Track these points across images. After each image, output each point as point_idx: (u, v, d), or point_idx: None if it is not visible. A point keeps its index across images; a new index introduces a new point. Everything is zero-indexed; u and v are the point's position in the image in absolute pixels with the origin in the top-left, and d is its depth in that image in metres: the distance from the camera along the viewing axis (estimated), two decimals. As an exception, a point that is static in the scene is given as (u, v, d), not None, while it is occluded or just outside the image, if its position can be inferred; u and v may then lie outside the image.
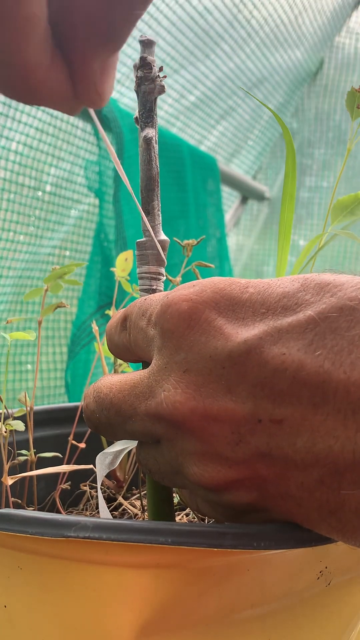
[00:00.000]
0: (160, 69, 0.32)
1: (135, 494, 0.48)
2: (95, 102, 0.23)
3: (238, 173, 1.79)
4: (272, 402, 0.23)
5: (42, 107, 1.08)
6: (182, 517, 0.41)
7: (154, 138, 0.33)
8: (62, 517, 0.24)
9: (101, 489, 0.45)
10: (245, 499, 0.25)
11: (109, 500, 0.47)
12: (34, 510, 0.42)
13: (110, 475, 0.47)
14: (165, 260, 0.33)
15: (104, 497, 0.45)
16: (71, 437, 0.46)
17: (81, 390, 1.07)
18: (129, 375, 0.29)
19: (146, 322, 0.28)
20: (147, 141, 0.32)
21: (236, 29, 1.42)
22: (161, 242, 0.33)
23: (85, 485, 0.48)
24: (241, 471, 0.24)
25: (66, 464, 0.46)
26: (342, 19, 1.82)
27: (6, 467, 0.39)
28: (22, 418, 0.41)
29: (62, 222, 1.18)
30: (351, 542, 0.24)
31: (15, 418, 0.41)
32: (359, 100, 0.38)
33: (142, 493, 0.45)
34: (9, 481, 0.37)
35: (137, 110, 0.33)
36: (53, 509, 0.44)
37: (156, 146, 0.33)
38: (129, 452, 0.46)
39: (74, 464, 0.44)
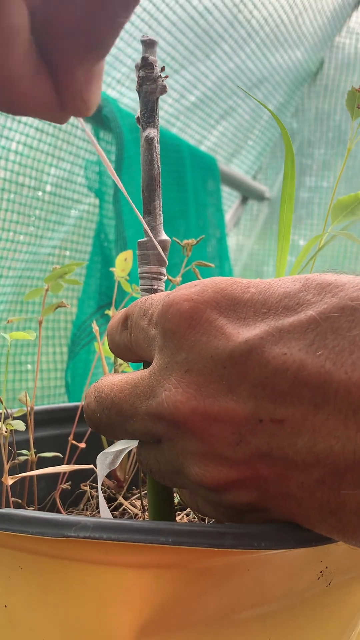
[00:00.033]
0: (162, 69, 0.32)
1: (135, 494, 0.48)
2: (82, 111, 0.22)
3: (238, 173, 1.79)
4: (273, 402, 0.23)
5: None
6: (183, 516, 0.41)
7: (155, 138, 0.33)
8: (63, 517, 0.24)
9: (101, 488, 0.45)
10: (246, 499, 0.25)
11: (110, 500, 0.47)
12: (34, 510, 0.42)
13: (110, 475, 0.47)
14: (167, 260, 0.33)
15: (104, 497, 0.45)
16: (71, 437, 0.46)
17: (81, 390, 1.07)
18: (130, 375, 0.29)
19: (147, 322, 0.28)
20: (149, 141, 0.32)
21: (236, 29, 1.42)
22: (162, 242, 0.33)
23: (86, 485, 0.48)
24: (242, 471, 0.24)
25: (66, 463, 0.46)
26: (342, 19, 1.82)
27: (6, 467, 0.39)
28: (22, 418, 0.41)
29: (62, 222, 1.18)
30: (351, 542, 0.24)
31: (15, 418, 0.41)
32: (359, 100, 0.38)
33: (142, 493, 0.45)
34: (9, 481, 0.37)
35: (139, 110, 0.33)
36: (53, 508, 0.44)
37: (158, 146, 0.33)
38: (130, 451, 0.46)
39: (74, 463, 0.44)
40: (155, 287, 0.33)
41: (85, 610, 0.25)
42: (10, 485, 0.39)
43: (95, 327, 0.50)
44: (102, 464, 0.33)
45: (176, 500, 0.41)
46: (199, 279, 0.36)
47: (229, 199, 1.89)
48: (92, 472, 0.48)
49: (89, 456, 0.43)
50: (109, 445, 0.35)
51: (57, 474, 0.46)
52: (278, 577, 0.27)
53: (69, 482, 0.45)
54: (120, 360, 0.46)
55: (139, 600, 0.24)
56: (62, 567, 0.25)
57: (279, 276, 0.41)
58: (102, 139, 1.17)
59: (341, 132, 1.92)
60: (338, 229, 0.41)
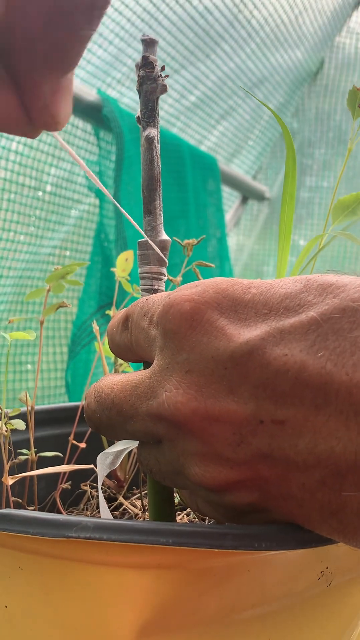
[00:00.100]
0: (162, 68, 0.32)
1: (135, 494, 0.48)
2: (50, 126, 0.22)
3: (238, 173, 1.79)
4: (274, 403, 0.23)
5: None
6: (183, 517, 0.41)
7: (156, 138, 0.32)
8: (63, 517, 0.23)
9: (102, 488, 0.45)
10: (247, 500, 0.25)
11: (110, 500, 0.47)
12: (34, 510, 0.42)
13: (110, 475, 0.47)
14: (167, 260, 0.33)
15: (104, 496, 0.45)
16: (71, 436, 0.46)
17: (81, 390, 1.07)
18: (131, 375, 0.29)
19: (148, 322, 0.28)
20: (149, 141, 0.32)
21: (236, 29, 1.42)
22: (162, 241, 0.33)
23: (86, 485, 0.48)
24: (242, 472, 0.24)
25: (66, 463, 0.46)
26: (342, 19, 1.82)
27: (6, 466, 0.39)
28: (21, 417, 0.41)
29: (63, 222, 1.18)
30: (352, 543, 0.24)
31: (11, 417, 0.41)
32: (360, 100, 0.38)
33: (142, 493, 0.45)
34: (10, 481, 0.37)
35: (139, 110, 0.33)
36: (53, 508, 0.44)
37: (158, 146, 0.33)
38: (130, 452, 0.46)
39: (74, 463, 0.44)
40: (156, 287, 0.33)
41: (86, 611, 0.25)
42: (11, 485, 0.39)
43: (95, 327, 0.50)
44: (103, 464, 0.33)
45: (176, 501, 0.41)
46: (199, 279, 0.36)
47: (229, 199, 1.89)
48: (92, 472, 0.48)
49: (89, 456, 0.43)
50: (109, 446, 0.35)
51: (57, 474, 0.46)
52: (278, 577, 0.27)
53: (69, 482, 0.45)
54: (120, 361, 0.46)
55: (139, 600, 0.24)
56: (62, 568, 0.25)
57: (279, 276, 0.41)
58: (102, 139, 1.17)
59: (341, 132, 1.92)
60: (339, 229, 0.41)
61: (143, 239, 0.33)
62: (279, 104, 1.81)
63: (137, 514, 0.43)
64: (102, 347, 0.48)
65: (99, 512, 0.44)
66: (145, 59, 0.32)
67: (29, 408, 0.43)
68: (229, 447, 0.24)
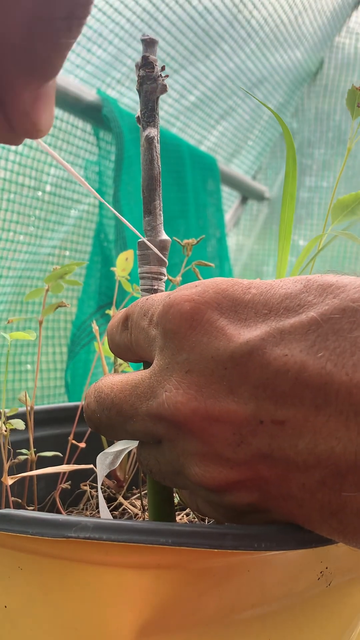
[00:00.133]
0: (163, 68, 0.32)
1: (135, 494, 0.48)
2: (32, 134, 0.22)
3: (238, 173, 1.79)
4: (274, 403, 0.23)
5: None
6: (183, 517, 0.41)
7: (155, 137, 0.32)
8: (63, 517, 0.23)
9: (101, 488, 0.45)
10: (247, 500, 0.25)
11: (109, 500, 0.47)
12: (34, 510, 0.42)
13: (110, 475, 0.47)
14: (167, 260, 0.33)
15: (104, 496, 0.45)
16: (71, 436, 0.46)
17: (81, 390, 1.07)
18: (130, 375, 0.29)
19: (148, 322, 0.28)
20: (149, 141, 0.32)
21: (236, 29, 1.42)
22: (162, 241, 0.33)
23: (86, 485, 0.48)
24: (242, 472, 0.24)
25: (66, 463, 0.46)
26: (342, 19, 1.82)
27: (6, 466, 0.39)
28: (19, 417, 0.41)
29: (62, 222, 1.18)
30: (352, 544, 0.24)
31: (9, 417, 0.41)
32: (359, 99, 0.38)
33: (142, 493, 0.45)
34: (9, 481, 0.37)
35: (139, 110, 0.33)
36: (53, 508, 0.44)
37: (158, 146, 0.33)
38: (130, 452, 0.46)
39: (74, 463, 0.44)
40: (156, 287, 0.33)
41: (85, 611, 0.25)
42: (10, 485, 0.39)
43: (95, 327, 0.50)
44: (102, 464, 0.33)
45: (176, 501, 0.41)
46: (199, 279, 0.36)
47: (229, 199, 1.89)
48: (92, 472, 0.48)
49: (89, 456, 0.43)
50: (109, 445, 0.35)
51: (57, 474, 0.46)
52: (278, 577, 0.27)
53: (69, 482, 0.45)
54: (120, 360, 0.46)
55: (139, 600, 0.24)
56: (62, 568, 0.25)
57: (279, 276, 0.41)
58: (102, 139, 1.17)
59: (341, 132, 1.92)
60: (338, 229, 0.41)
61: (143, 239, 0.33)
62: (278, 104, 1.81)
63: (136, 514, 0.43)
64: (102, 347, 0.48)
65: (98, 512, 0.44)
66: (145, 59, 0.32)
67: (29, 408, 0.43)
68: (229, 447, 0.24)
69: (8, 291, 1.08)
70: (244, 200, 1.96)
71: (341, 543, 0.25)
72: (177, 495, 0.39)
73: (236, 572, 0.25)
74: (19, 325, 1.07)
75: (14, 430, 0.40)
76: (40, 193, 1.12)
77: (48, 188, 1.14)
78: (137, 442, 0.30)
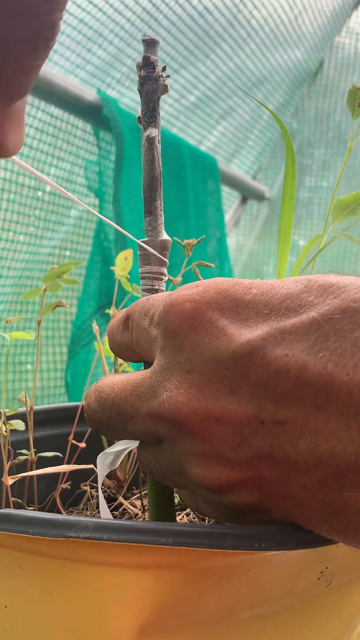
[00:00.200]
0: (164, 68, 0.32)
1: (135, 494, 0.48)
2: (1, 153, 0.22)
3: (238, 173, 1.79)
4: (275, 403, 0.23)
5: (42, 107, 1.08)
6: (183, 517, 0.41)
7: (156, 138, 0.32)
8: (63, 517, 0.23)
9: (102, 488, 0.45)
10: (247, 500, 0.25)
11: (110, 500, 0.47)
12: (34, 510, 0.42)
13: (110, 475, 0.47)
14: (167, 261, 0.33)
15: (104, 496, 0.45)
16: (71, 436, 0.46)
17: (81, 390, 1.07)
18: (131, 375, 0.29)
19: (148, 322, 0.28)
20: (150, 141, 0.32)
21: (236, 29, 1.42)
22: (163, 241, 0.33)
23: (86, 485, 0.48)
24: (243, 472, 0.24)
25: (66, 463, 0.46)
26: (342, 19, 1.82)
27: (6, 466, 0.39)
28: (20, 417, 0.41)
29: (62, 222, 1.18)
30: (352, 544, 0.24)
31: (9, 417, 0.41)
32: (360, 100, 0.38)
33: (142, 493, 0.45)
34: (9, 481, 0.37)
35: (140, 110, 0.33)
36: (53, 508, 0.44)
37: (159, 146, 0.33)
38: (130, 451, 0.46)
39: (74, 463, 0.44)
40: (156, 287, 0.33)
41: (85, 611, 0.25)
42: (10, 485, 0.39)
43: (95, 327, 0.50)
44: (103, 464, 0.33)
45: (176, 501, 0.41)
46: (199, 279, 0.36)
47: (229, 199, 1.89)
48: (92, 472, 0.48)
49: (89, 456, 0.43)
50: (109, 445, 0.35)
51: (57, 474, 0.46)
52: (278, 577, 0.27)
53: (69, 482, 0.45)
54: (120, 360, 0.46)
55: (139, 600, 0.24)
56: (62, 568, 0.25)
57: (279, 276, 0.41)
58: (102, 139, 1.17)
59: (341, 132, 1.92)
60: (339, 229, 0.41)
61: (144, 239, 0.33)
62: (278, 104, 1.81)
63: (137, 514, 0.43)
64: (102, 347, 0.48)
65: (98, 512, 0.44)
66: (146, 59, 0.32)
67: (28, 408, 0.43)
68: (229, 447, 0.24)
69: (8, 291, 1.08)
70: (244, 200, 1.96)
71: (341, 543, 0.25)
72: (177, 495, 0.39)
73: (236, 572, 0.25)
74: (19, 325, 1.07)
75: (14, 430, 0.40)
76: (40, 193, 1.12)
77: (48, 188, 1.14)
78: (138, 442, 0.31)
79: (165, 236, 0.33)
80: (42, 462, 0.42)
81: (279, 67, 1.67)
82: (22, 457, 0.41)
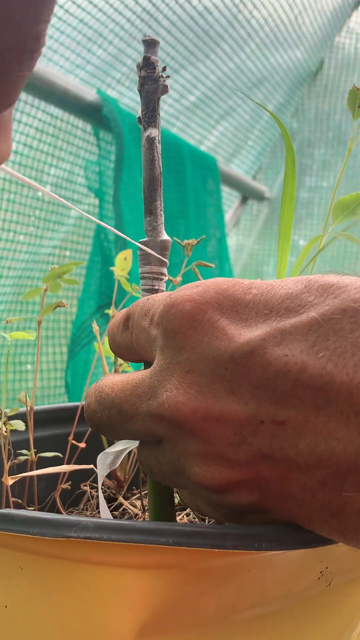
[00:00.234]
0: (164, 68, 0.32)
1: (135, 494, 0.48)
2: None
3: (238, 173, 1.79)
4: (275, 403, 0.23)
5: (42, 107, 1.08)
6: (183, 517, 0.41)
7: (156, 138, 0.32)
8: (63, 517, 0.23)
9: (102, 488, 0.45)
10: (247, 500, 0.25)
11: (110, 500, 0.47)
12: (34, 510, 0.42)
13: (110, 475, 0.47)
14: (168, 261, 0.33)
15: (104, 497, 0.45)
16: (71, 437, 0.46)
17: (81, 390, 1.07)
18: (131, 375, 0.29)
19: (149, 322, 0.28)
20: (150, 141, 0.32)
21: (236, 29, 1.42)
22: (163, 242, 0.33)
23: (86, 485, 0.48)
24: (243, 472, 0.24)
25: (66, 463, 0.46)
26: (342, 19, 1.82)
27: (6, 467, 0.39)
28: (19, 417, 0.41)
29: (62, 222, 1.18)
30: (352, 544, 0.24)
31: (10, 417, 0.41)
32: (360, 101, 0.38)
33: (142, 493, 0.45)
34: (10, 481, 0.37)
35: (140, 110, 0.33)
36: (53, 508, 0.44)
37: (159, 146, 0.33)
38: (130, 452, 0.46)
39: (74, 463, 0.44)
40: (156, 287, 0.33)
41: (85, 611, 0.25)
42: (11, 485, 0.39)
43: (95, 327, 0.50)
44: (103, 464, 0.33)
45: (176, 501, 0.41)
46: (199, 279, 0.36)
47: (229, 199, 1.89)
48: (92, 472, 0.48)
49: (89, 456, 0.43)
50: (109, 445, 0.35)
51: (57, 474, 0.46)
52: (278, 577, 0.27)
53: (69, 482, 0.45)
54: (120, 360, 0.46)
55: (139, 600, 0.24)
56: (62, 568, 0.25)
57: (279, 276, 0.41)
58: (102, 139, 1.17)
59: (341, 132, 1.92)
60: (339, 229, 0.41)
61: (144, 239, 0.33)
62: (278, 104, 1.81)
63: (137, 514, 0.43)
64: (102, 347, 0.48)
65: (98, 512, 0.44)
66: (146, 59, 0.32)
67: (29, 408, 0.43)
68: (229, 447, 0.24)
69: (8, 291, 1.08)
70: (244, 200, 1.96)
71: (341, 543, 0.25)
72: (177, 495, 0.39)
73: (236, 572, 0.25)
74: (19, 325, 1.07)
75: (14, 431, 0.40)
76: (40, 193, 1.12)
77: (48, 188, 1.14)
78: (138, 442, 0.31)
79: (165, 236, 0.33)
80: (42, 462, 0.42)
81: (279, 67, 1.67)
82: (22, 457, 0.41)
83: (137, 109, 1.24)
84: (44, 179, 1.13)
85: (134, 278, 0.45)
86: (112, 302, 0.52)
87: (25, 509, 0.41)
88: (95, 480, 0.49)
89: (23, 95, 1.03)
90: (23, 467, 0.42)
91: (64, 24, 1.06)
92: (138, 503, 0.46)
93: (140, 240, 0.33)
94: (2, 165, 0.26)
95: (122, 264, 0.49)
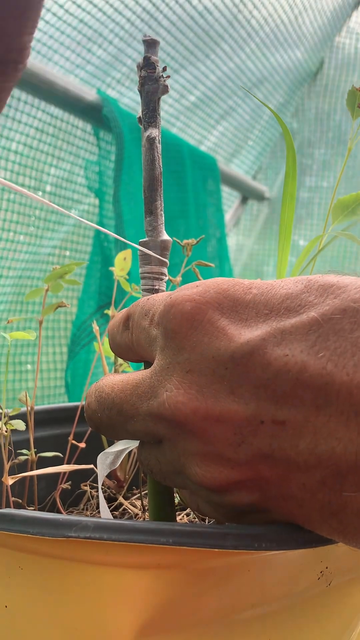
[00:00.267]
0: (164, 68, 0.32)
1: (135, 494, 0.48)
2: None
3: (238, 173, 1.79)
4: (275, 403, 0.23)
5: (42, 107, 1.08)
6: (183, 517, 0.41)
7: (157, 138, 0.32)
8: (63, 517, 0.23)
9: (102, 488, 0.45)
10: (247, 500, 0.25)
11: (110, 500, 0.47)
12: (34, 510, 0.42)
13: (110, 475, 0.47)
14: (168, 261, 0.33)
15: (104, 497, 0.45)
16: (71, 437, 0.46)
17: (81, 390, 1.07)
18: (131, 375, 0.29)
19: (149, 322, 0.28)
20: (151, 141, 0.32)
21: (236, 29, 1.42)
22: (163, 242, 0.33)
23: (86, 485, 0.48)
24: (243, 472, 0.24)
25: (66, 463, 0.46)
26: (342, 19, 1.82)
27: (7, 466, 0.39)
28: (21, 417, 0.41)
29: (62, 222, 1.18)
30: (352, 544, 0.24)
31: (11, 417, 0.41)
32: (360, 100, 0.38)
33: (142, 493, 0.45)
34: (10, 481, 0.37)
35: (141, 110, 0.33)
36: (53, 508, 0.44)
37: (159, 146, 0.33)
38: (130, 451, 0.46)
39: (74, 463, 0.44)
40: (157, 287, 0.33)
41: (85, 611, 0.25)
42: (11, 485, 0.39)
43: (95, 327, 0.50)
44: (103, 464, 0.33)
45: (176, 501, 0.41)
46: (199, 279, 0.36)
47: (229, 199, 1.89)
48: (92, 472, 0.48)
49: (89, 456, 0.43)
50: (109, 445, 0.35)
51: (57, 474, 0.46)
52: (278, 577, 0.27)
53: (69, 482, 0.45)
54: (120, 360, 0.46)
55: (138, 600, 0.24)
56: (62, 568, 0.25)
57: (279, 276, 0.41)
58: (102, 139, 1.17)
59: (341, 132, 1.92)
60: (339, 229, 0.41)
61: (144, 239, 0.33)
62: (278, 104, 1.81)
63: (137, 514, 0.43)
64: (102, 347, 0.48)
65: (99, 512, 0.44)
66: (147, 59, 0.32)
67: (29, 408, 0.43)
68: (229, 447, 0.24)
69: (8, 291, 1.08)
70: (244, 200, 1.96)
71: (341, 543, 0.25)
72: (177, 495, 0.39)
73: (236, 572, 0.25)
74: (19, 325, 1.07)
75: (14, 431, 0.40)
76: (40, 193, 1.12)
77: (48, 188, 1.14)
78: (138, 442, 0.31)
79: (165, 236, 0.33)
80: (43, 462, 0.42)
81: (279, 67, 1.67)
82: (22, 457, 0.41)
83: (137, 109, 1.24)
84: (44, 179, 1.13)
85: (134, 278, 0.45)
86: (111, 302, 0.52)
87: (25, 508, 0.41)
88: (95, 480, 0.49)
89: (23, 95, 1.03)
90: (23, 466, 0.42)
91: (64, 24, 1.06)
92: (138, 503, 0.46)
93: (141, 240, 0.33)
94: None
95: (122, 264, 0.49)
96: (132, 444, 0.33)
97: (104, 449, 0.34)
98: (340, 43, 1.89)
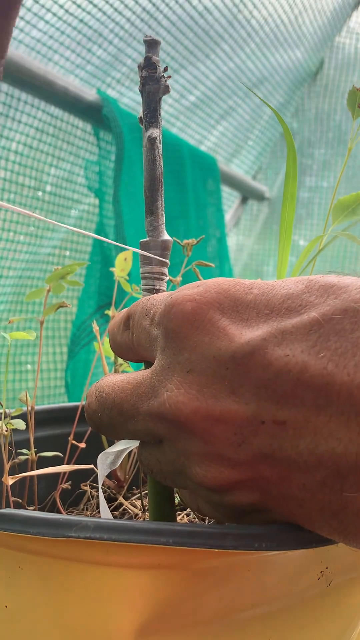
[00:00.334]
0: (165, 68, 0.32)
1: (135, 494, 0.48)
2: None
3: (238, 173, 1.79)
4: (276, 403, 0.23)
5: (42, 107, 1.08)
6: (183, 517, 0.41)
7: (158, 138, 0.33)
8: (63, 517, 0.23)
9: (102, 488, 0.45)
10: (247, 500, 0.25)
11: (110, 500, 0.47)
12: (34, 510, 0.42)
13: (110, 475, 0.47)
14: (169, 261, 0.33)
15: (104, 497, 0.45)
16: (71, 436, 0.46)
17: (81, 390, 1.07)
18: (132, 375, 0.29)
19: (149, 322, 0.28)
20: (152, 141, 0.32)
21: (236, 29, 1.42)
22: (164, 242, 0.33)
23: (86, 485, 0.48)
24: (243, 472, 0.24)
25: (66, 463, 0.46)
26: (342, 19, 1.82)
27: (7, 466, 0.39)
28: (21, 417, 0.41)
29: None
30: (352, 544, 0.24)
31: (13, 417, 0.41)
32: (360, 101, 0.38)
33: (142, 493, 0.45)
34: (10, 481, 0.37)
35: (141, 110, 0.33)
36: (53, 508, 0.44)
37: (160, 146, 0.33)
38: (130, 451, 0.46)
39: (74, 463, 0.44)
40: (157, 287, 0.33)
41: (86, 611, 0.25)
42: (11, 485, 0.39)
43: (95, 327, 0.50)
44: (103, 464, 0.33)
45: (176, 501, 0.41)
46: (199, 279, 0.36)
47: (229, 199, 1.89)
48: (92, 472, 0.48)
49: (89, 456, 0.43)
50: (109, 445, 0.35)
51: (57, 474, 0.46)
52: (278, 577, 0.27)
53: (69, 482, 0.45)
54: (120, 360, 0.46)
55: (139, 600, 0.24)
56: (62, 568, 0.25)
57: (280, 276, 0.41)
58: (102, 139, 1.17)
59: (341, 132, 1.92)
60: (339, 229, 0.41)
61: (145, 239, 0.33)
62: (278, 104, 1.81)
63: (137, 514, 0.43)
64: (102, 347, 0.48)
65: (99, 512, 0.44)
66: (148, 59, 0.32)
67: (29, 408, 0.43)
68: (230, 447, 0.24)
69: (8, 291, 1.08)
70: (244, 200, 1.96)
71: (341, 543, 0.25)
72: (177, 495, 0.39)
73: (236, 572, 0.25)
74: (19, 325, 1.07)
75: (14, 430, 0.40)
76: (40, 193, 1.12)
77: (48, 188, 1.14)
78: (138, 442, 0.31)
79: (166, 236, 0.33)
80: (43, 462, 0.42)
81: (279, 67, 1.67)
82: (22, 457, 0.41)
83: (137, 109, 1.24)
84: (44, 179, 1.13)
85: (134, 278, 0.45)
86: (112, 302, 0.52)
87: (25, 508, 0.41)
88: (96, 480, 0.49)
89: (23, 95, 1.03)
90: (23, 466, 0.42)
91: (64, 24, 1.06)
92: (138, 503, 0.46)
93: (142, 240, 0.33)
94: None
95: (122, 264, 0.49)
96: (132, 444, 0.33)
97: (104, 449, 0.34)
98: (340, 43, 1.89)
